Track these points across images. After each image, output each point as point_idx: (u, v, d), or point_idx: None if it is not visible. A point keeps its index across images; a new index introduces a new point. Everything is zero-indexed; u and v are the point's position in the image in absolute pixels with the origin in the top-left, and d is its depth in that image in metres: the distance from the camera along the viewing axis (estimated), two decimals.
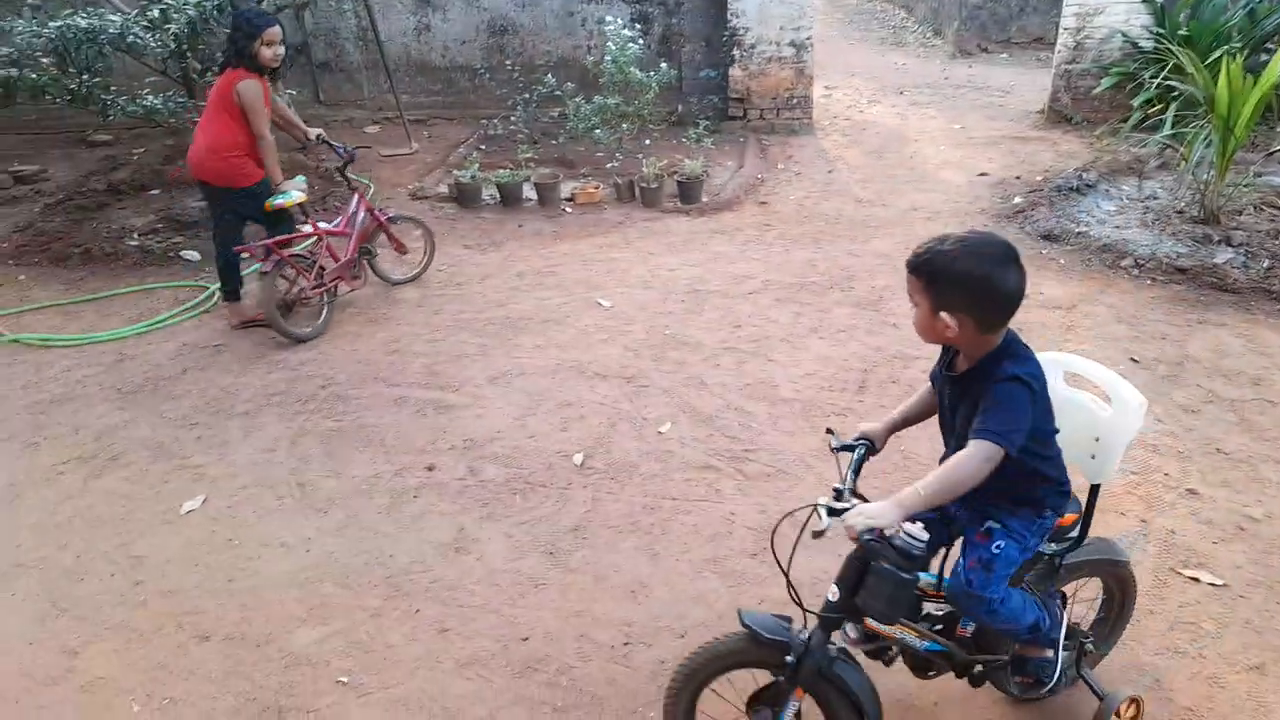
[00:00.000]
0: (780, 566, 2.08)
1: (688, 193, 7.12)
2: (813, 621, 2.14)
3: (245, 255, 4.97)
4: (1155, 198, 6.56)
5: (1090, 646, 2.51)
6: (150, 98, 5.87)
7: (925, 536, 1.93)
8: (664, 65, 7.77)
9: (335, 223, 5.29)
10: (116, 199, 7.24)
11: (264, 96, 4.76)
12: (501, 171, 7.30)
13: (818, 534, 1.97)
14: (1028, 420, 1.94)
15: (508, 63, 9.33)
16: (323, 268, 5.05)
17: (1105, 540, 2.56)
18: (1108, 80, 8.39)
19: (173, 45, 5.63)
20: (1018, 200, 6.81)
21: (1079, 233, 6.05)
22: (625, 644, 2.87)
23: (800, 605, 2.17)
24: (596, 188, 7.27)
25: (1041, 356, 2.17)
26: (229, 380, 4.60)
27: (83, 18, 5.29)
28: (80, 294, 5.67)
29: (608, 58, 7.57)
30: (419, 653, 2.85)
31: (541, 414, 4.20)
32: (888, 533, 1.89)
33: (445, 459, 3.88)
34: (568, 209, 7.13)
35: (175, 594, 3.13)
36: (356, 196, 5.40)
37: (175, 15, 5.50)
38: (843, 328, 4.96)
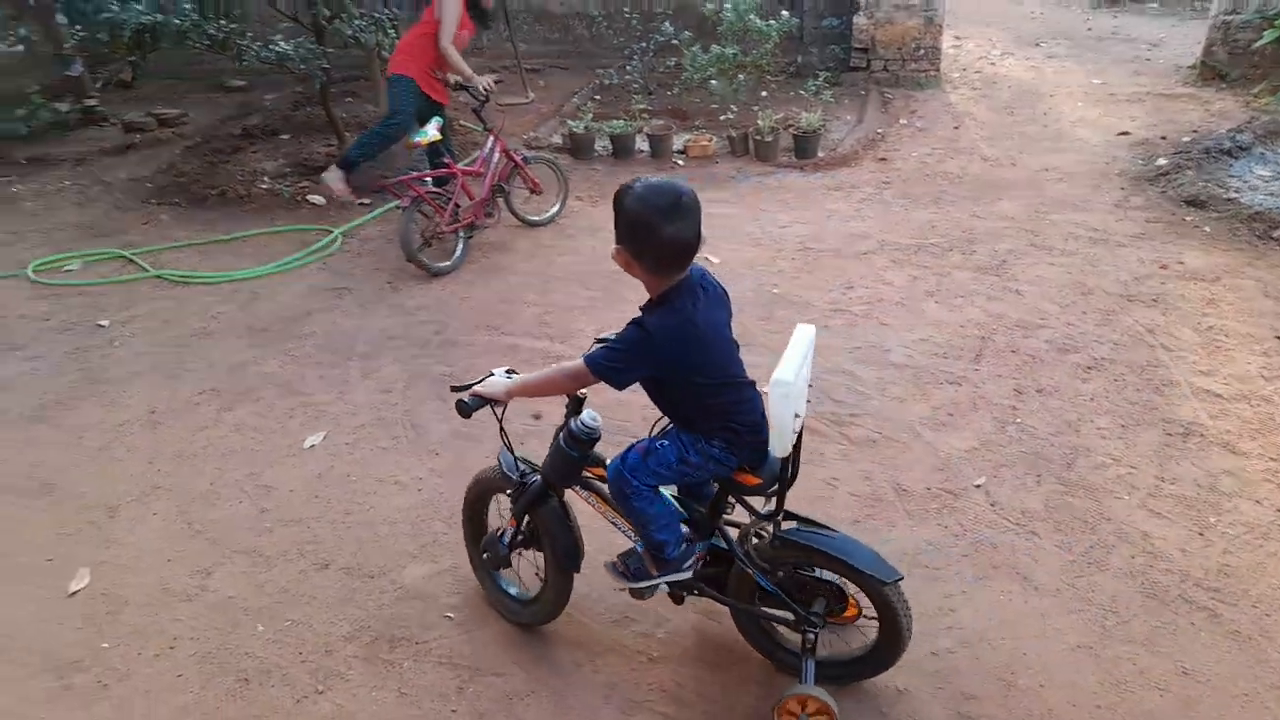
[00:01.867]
0: (498, 422, 2.44)
1: (804, 147, 6.94)
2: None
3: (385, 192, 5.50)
4: None
5: (812, 636, 2.38)
6: (282, 44, 6.07)
7: (595, 424, 2.38)
8: (785, 13, 7.53)
9: (470, 161, 5.52)
10: (249, 143, 7.58)
11: (460, 17, 5.30)
12: (615, 122, 7.28)
13: (455, 388, 2.41)
14: (637, 361, 2.14)
15: (625, 10, 9.23)
16: (458, 205, 5.28)
17: (862, 547, 2.29)
18: (1271, 33, 7.69)
19: None
20: (1161, 162, 6.37)
21: (1228, 199, 5.62)
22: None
23: (511, 452, 2.60)
24: (709, 140, 7.17)
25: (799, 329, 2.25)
26: (350, 323, 4.79)
27: None
28: (216, 234, 5.99)
29: (727, 5, 7.39)
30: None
31: None
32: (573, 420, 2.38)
33: (551, 408, 3.94)
34: (680, 161, 7.07)
35: (297, 523, 3.32)
36: (492, 138, 5.56)
37: None
38: (962, 292, 4.78)
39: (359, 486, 3.51)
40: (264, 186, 6.58)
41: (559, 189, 6.01)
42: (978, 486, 3.33)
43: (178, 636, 2.85)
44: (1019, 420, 3.70)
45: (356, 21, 6.48)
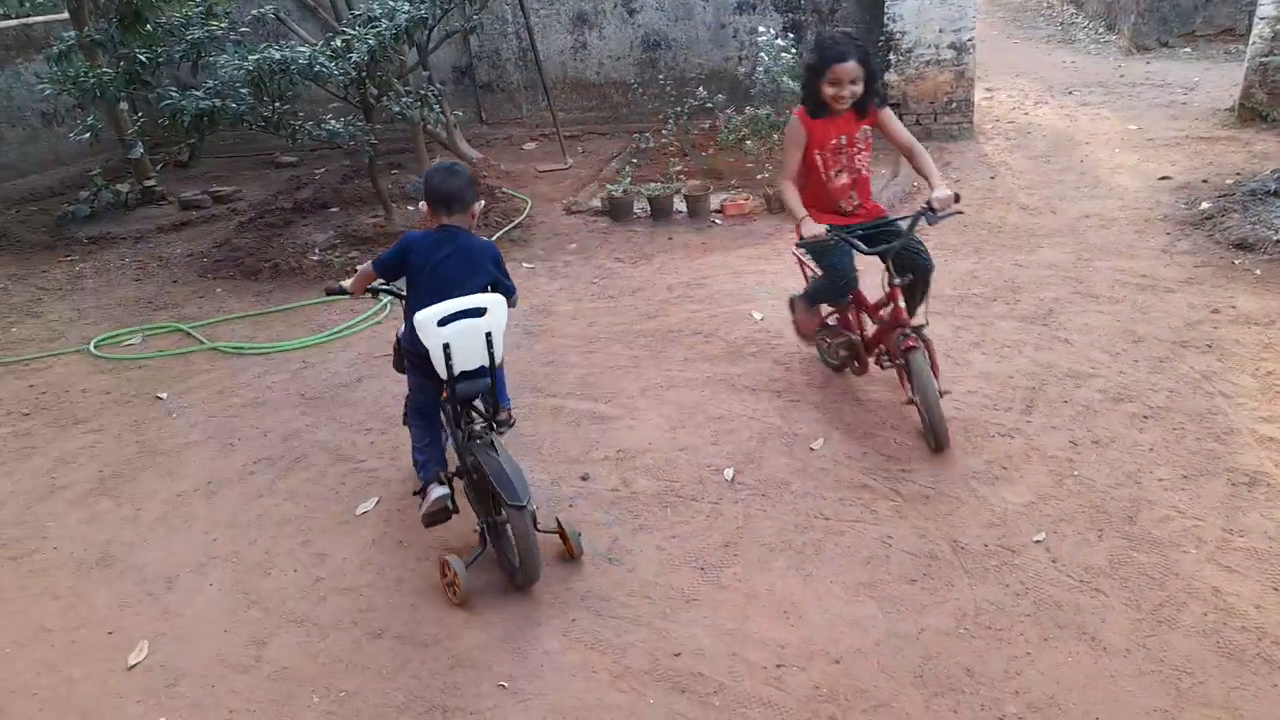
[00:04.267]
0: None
1: None
2: None
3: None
4: None
5: (479, 527, 3.35)
6: (332, 122, 6.31)
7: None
8: None
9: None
10: (301, 216, 7.83)
11: (802, 138, 3.91)
12: (652, 185, 7.40)
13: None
14: (393, 255, 3.28)
15: (660, 77, 9.45)
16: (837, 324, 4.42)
17: (506, 471, 3.03)
18: None
19: (353, 73, 6.03)
20: (1205, 205, 6.29)
21: (1278, 240, 5.52)
22: (778, 666, 2.83)
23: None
24: (746, 199, 7.24)
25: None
26: (400, 388, 4.81)
27: (276, 50, 5.75)
28: (269, 305, 6.16)
29: (760, 68, 7.54)
30: (575, 661, 2.92)
31: (692, 427, 4.21)
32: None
33: (599, 469, 3.95)
34: (717, 220, 7.14)
35: (351, 591, 3.34)
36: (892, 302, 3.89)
37: (357, 45, 5.89)
38: (1008, 343, 4.73)
39: (411, 552, 3.53)
40: (315, 258, 6.77)
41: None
42: (1037, 542, 3.25)
43: (234, 709, 2.86)
44: (1076, 473, 3.62)
45: (404, 99, 6.71)
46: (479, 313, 3.10)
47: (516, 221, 7.32)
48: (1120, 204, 6.64)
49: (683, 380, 4.66)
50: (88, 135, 6.37)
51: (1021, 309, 5.11)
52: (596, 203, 7.65)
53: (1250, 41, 8.11)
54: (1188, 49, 11.72)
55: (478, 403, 3.34)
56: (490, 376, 3.25)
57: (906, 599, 3.05)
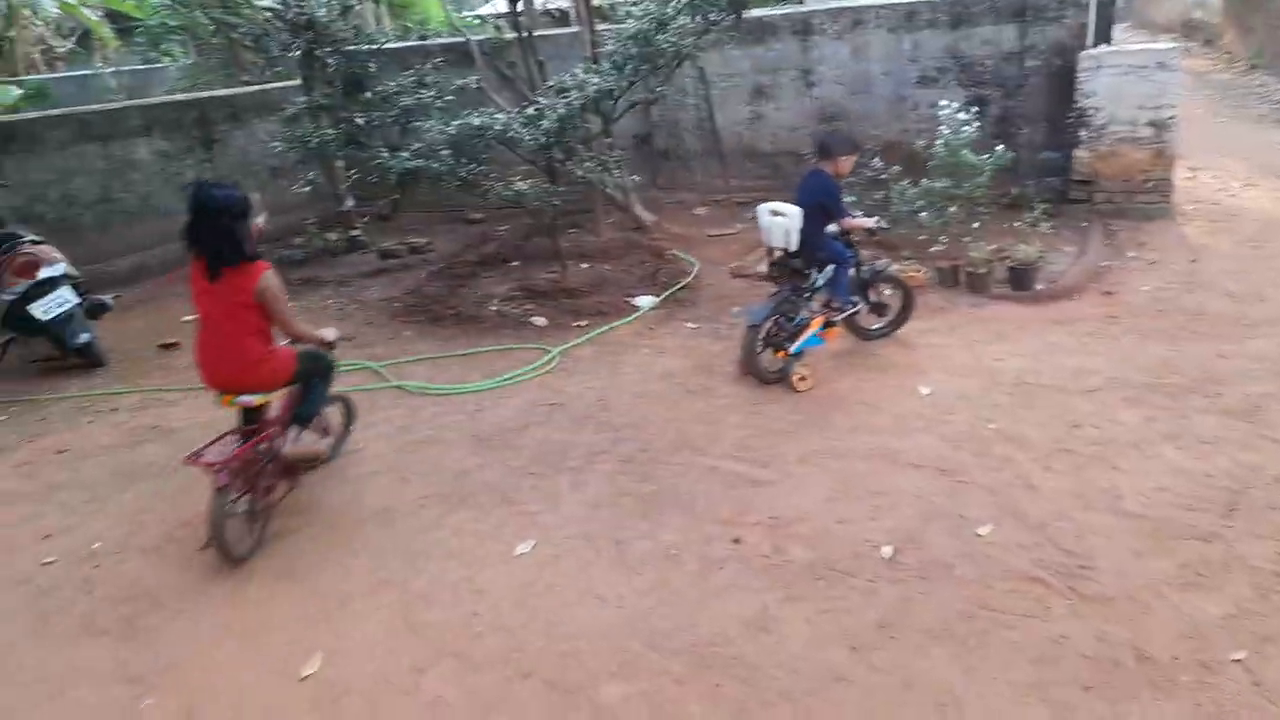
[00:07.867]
0: None
1: (1020, 279, 6.70)
2: None
3: None
4: None
5: None
6: (520, 183, 6.72)
7: None
8: (999, 148, 7.45)
9: None
10: (484, 269, 8.31)
11: None
12: None
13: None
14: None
15: None
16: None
17: (768, 304, 5.32)
18: None
19: (543, 139, 6.43)
20: None
21: None
22: None
23: None
24: (919, 271, 7.08)
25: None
26: (562, 437, 5.03)
27: (476, 117, 6.23)
28: (450, 350, 6.55)
29: (939, 141, 7.41)
30: None
31: (851, 499, 4.12)
32: None
33: (751, 533, 3.92)
34: (887, 291, 7.00)
35: (505, 630, 3.45)
36: None
37: (549, 113, 6.29)
38: (1207, 438, 4.35)
39: (563, 598, 3.61)
40: (493, 308, 7.15)
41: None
42: (1236, 661, 2.94)
43: None
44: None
45: (586, 164, 7.06)
46: (784, 215, 5.16)
47: (683, 283, 7.47)
48: None
49: (844, 450, 4.57)
50: (308, 188, 7.07)
51: (1223, 403, 4.70)
52: (763, 267, 7.66)
53: None
54: None
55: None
56: (790, 257, 5.33)
57: (1080, 706, 2.83)
